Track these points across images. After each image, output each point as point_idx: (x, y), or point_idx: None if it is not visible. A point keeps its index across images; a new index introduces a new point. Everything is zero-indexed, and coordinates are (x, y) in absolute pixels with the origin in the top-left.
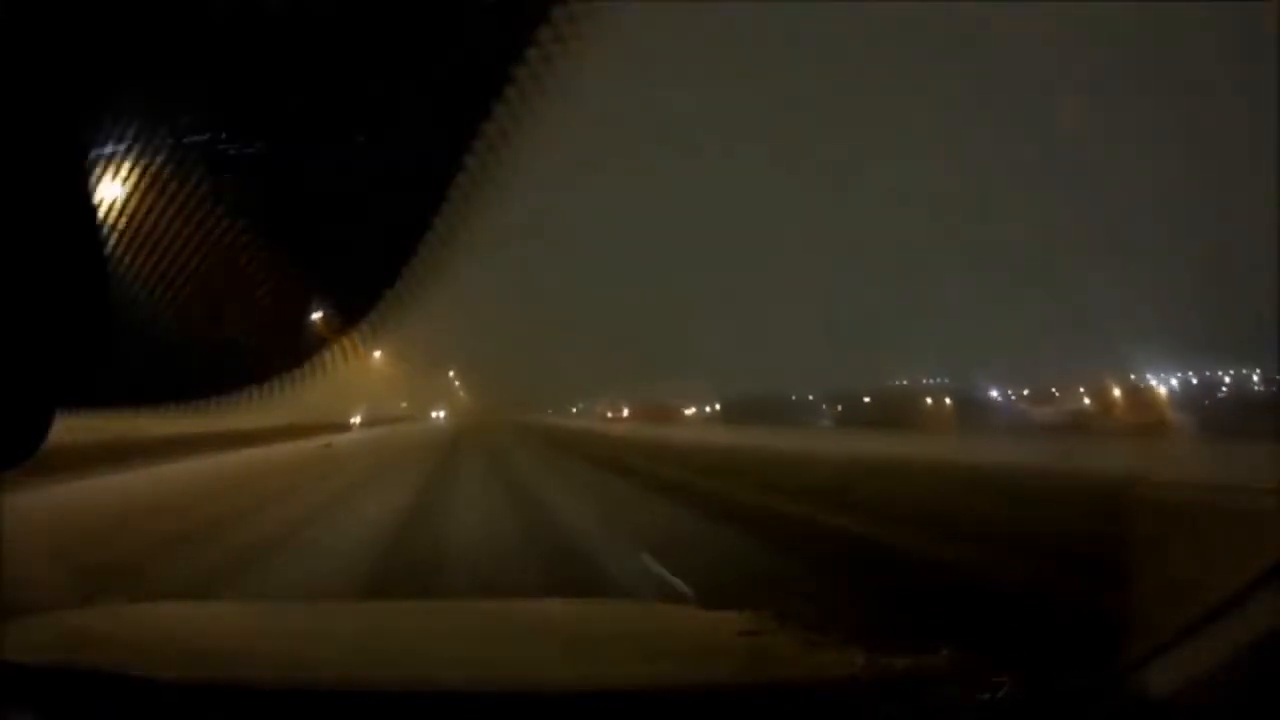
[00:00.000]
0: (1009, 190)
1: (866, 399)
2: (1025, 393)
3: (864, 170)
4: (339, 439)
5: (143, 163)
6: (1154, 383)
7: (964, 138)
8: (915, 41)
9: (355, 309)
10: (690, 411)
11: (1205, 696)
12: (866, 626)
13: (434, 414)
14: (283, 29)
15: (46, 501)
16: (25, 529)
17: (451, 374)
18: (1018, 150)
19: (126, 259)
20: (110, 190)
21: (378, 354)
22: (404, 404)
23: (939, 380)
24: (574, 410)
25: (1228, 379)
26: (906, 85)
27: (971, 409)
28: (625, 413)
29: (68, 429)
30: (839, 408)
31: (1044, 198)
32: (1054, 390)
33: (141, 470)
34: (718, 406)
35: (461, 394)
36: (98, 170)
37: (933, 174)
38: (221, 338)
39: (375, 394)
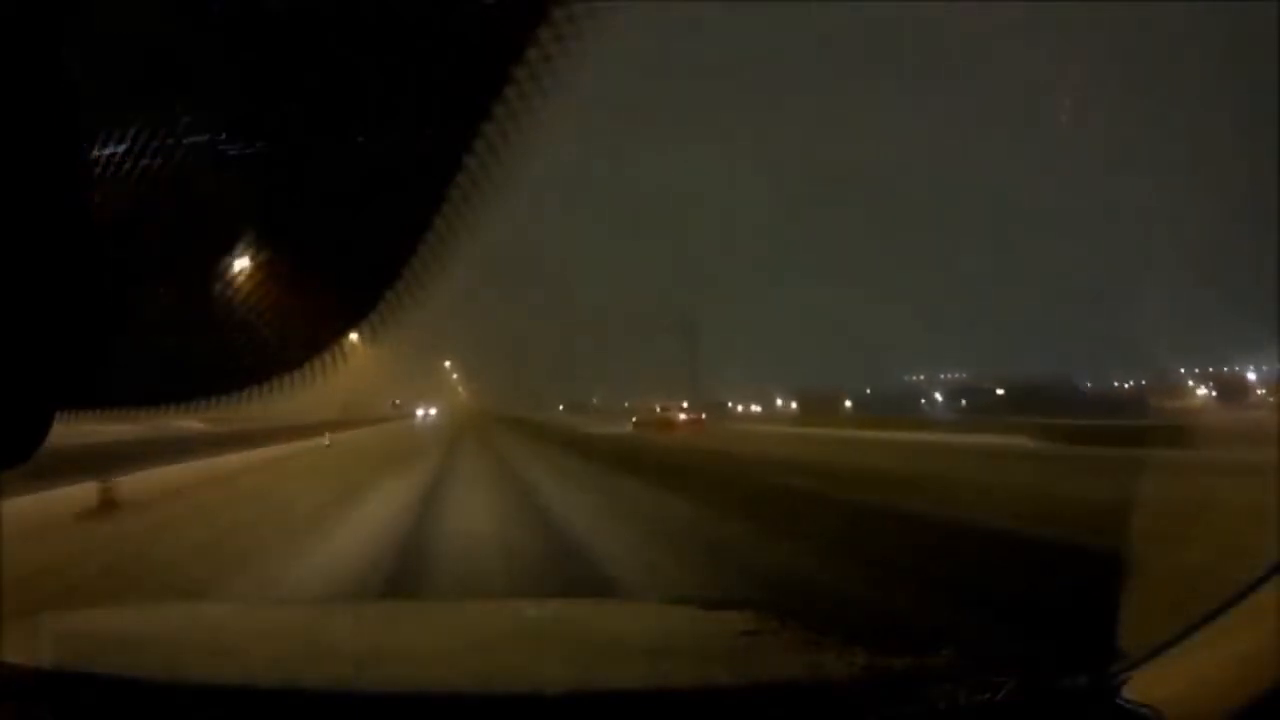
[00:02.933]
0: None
1: (999, 390)
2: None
3: (888, 167)
4: None
5: (143, 163)
6: None
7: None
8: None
9: (356, 309)
10: (756, 409)
11: (1206, 697)
12: (868, 627)
13: (421, 412)
14: (282, 28)
15: None
16: None
17: (448, 364)
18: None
19: (125, 260)
20: (110, 190)
21: (354, 337)
22: (397, 400)
23: (956, 375)
24: (593, 401)
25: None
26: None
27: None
28: (682, 416)
29: None
30: (962, 402)
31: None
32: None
33: None
34: (789, 404)
35: (460, 388)
36: (97, 171)
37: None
38: (222, 338)
39: (354, 388)
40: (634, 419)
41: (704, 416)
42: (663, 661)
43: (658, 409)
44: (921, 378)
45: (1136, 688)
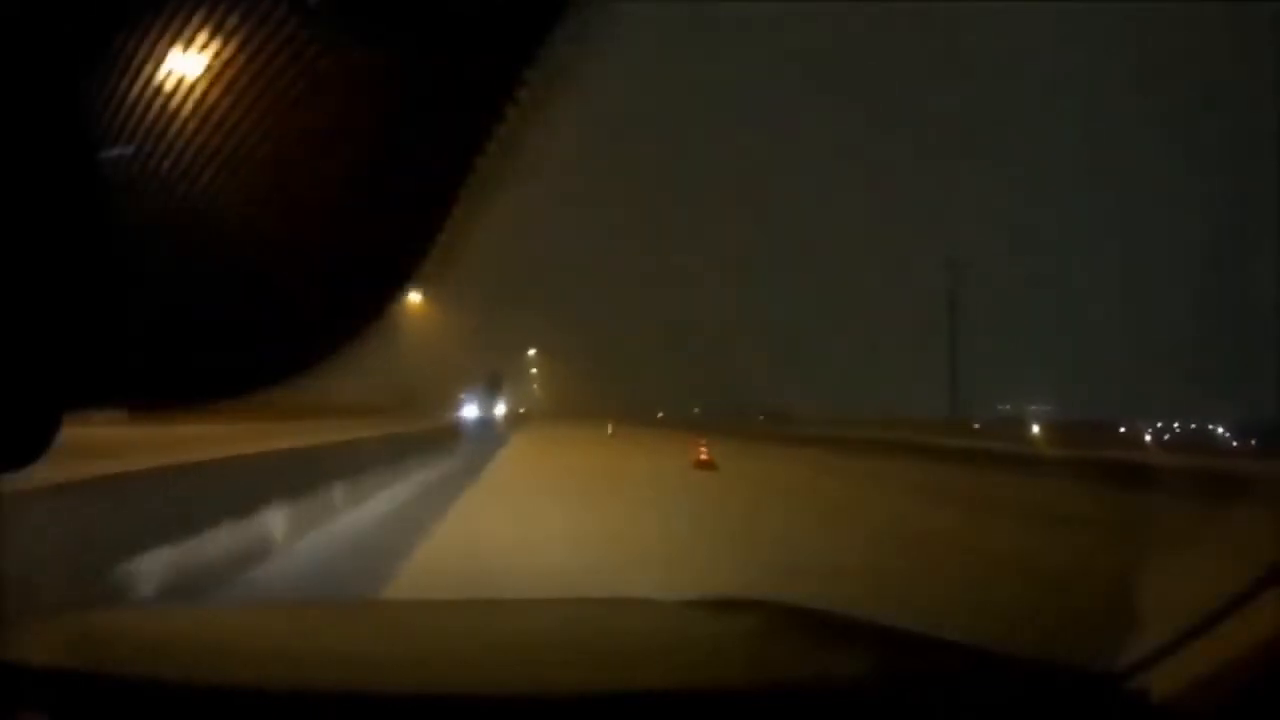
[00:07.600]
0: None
1: None
2: None
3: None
4: None
5: (149, 163)
6: None
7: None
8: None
9: (363, 313)
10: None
11: (1207, 697)
12: (875, 628)
13: (469, 413)
14: (293, 30)
15: None
16: None
17: (532, 353)
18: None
19: (136, 258)
20: (116, 188)
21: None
22: (507, 396)
23: (1041, 408)
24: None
25: None
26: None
27: None
28: None
29: None
30: None
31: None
32: None
33: None
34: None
35: (535, 388)
36: (104, 169)
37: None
38: (228, 340)
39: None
40: None
41: None
42: (672, 661)
43: None
44: (1043, 407)
45: (1138, 688)
